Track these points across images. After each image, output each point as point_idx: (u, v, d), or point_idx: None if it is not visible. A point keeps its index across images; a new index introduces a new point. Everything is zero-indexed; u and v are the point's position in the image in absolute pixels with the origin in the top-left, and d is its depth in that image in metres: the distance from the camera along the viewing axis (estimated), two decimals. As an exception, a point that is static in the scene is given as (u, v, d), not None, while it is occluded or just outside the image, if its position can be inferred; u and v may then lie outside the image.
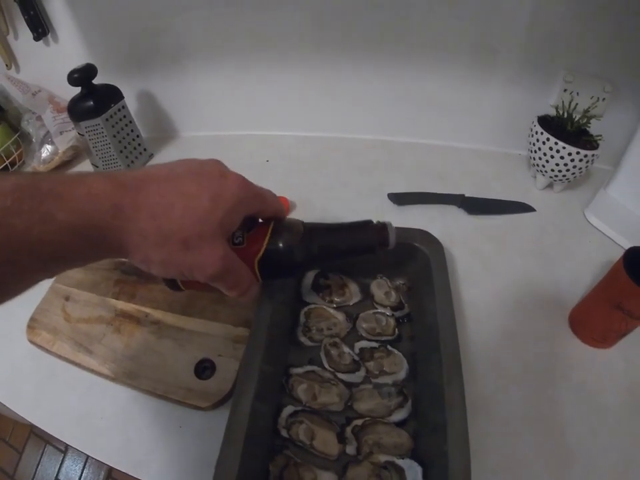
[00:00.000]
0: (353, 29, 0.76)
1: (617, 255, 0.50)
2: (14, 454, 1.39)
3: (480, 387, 0.50)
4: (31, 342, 0.59)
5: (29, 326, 0.60)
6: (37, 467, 1.37)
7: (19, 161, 0.95)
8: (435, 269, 0.54)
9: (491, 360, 0.53)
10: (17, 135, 0.94)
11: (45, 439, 1.41)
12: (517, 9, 0.68)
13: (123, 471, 0.48)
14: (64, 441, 0.51)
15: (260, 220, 0.43)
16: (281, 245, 0.41)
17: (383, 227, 0.44)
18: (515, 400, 0.50)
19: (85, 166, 0.92)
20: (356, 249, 0.46)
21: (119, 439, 0.49)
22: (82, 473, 1.34)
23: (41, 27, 0.85)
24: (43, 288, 0.64)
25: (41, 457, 1.38)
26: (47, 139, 0.91)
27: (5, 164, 0.91)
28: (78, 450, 0.50)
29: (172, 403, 0.51)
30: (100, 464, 1.34)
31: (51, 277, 0.32)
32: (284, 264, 0.43)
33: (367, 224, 0.45)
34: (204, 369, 0.52)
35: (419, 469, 0.43)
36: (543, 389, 0.51)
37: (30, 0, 0.81)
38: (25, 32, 0.86)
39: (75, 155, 0.94)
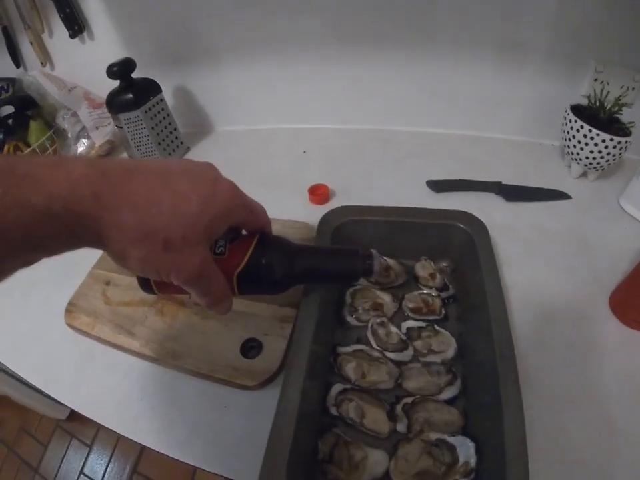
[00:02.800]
0: (382, 24, 0.77)
1: (655, 240, 0.49)
2: (39, 447, 1.40)
3: (525, 365, 0.49)
4: (70, 325, 0.59)
5: (68, 310, 0.60)
6: (62, 460, 1.38)
7: (53, 156, 0.98)
8: (480, 248, 0.55)
9: (535, 340, 0.53)
10: (52, 131, 0.96)
11: (71, 433, 1.43)
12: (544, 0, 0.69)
13: (163, 452, 0.47)
14: (104, 424, 0.51)
15: (244, 232, 0.43)
16: (263, 260, 0.41)
17: (368, 256, 0.43)
18: (559, 378, 0.49)
19: (120, 160, 0.94)
20: (339, 275, 0.46)
21: (160, 421, 0.49)
22: (107, 467, 1.35)
23: (77, 25, 0.87)
24: (80, 274, 0.64)
25: (66, 451, 1.40)
26: (82, 133, 0.94)
27: (39, 159, 0.93)
28: (117, 432, 0.50)
29: (216, 383, 0.51)
30: (126, 458, 1.36)
31: (26, 265, 0.30)
32: (263, 280, 0.42)
33: (353, 251, 0.45)
34: (250, 348, 0.52)
35: (471, 445, 0.43)
36: (587, 369, 0.50)
37: None
38: (60, 30, 0.89)
39: (110, 149, 0.96)
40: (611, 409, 0.47)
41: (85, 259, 0.66)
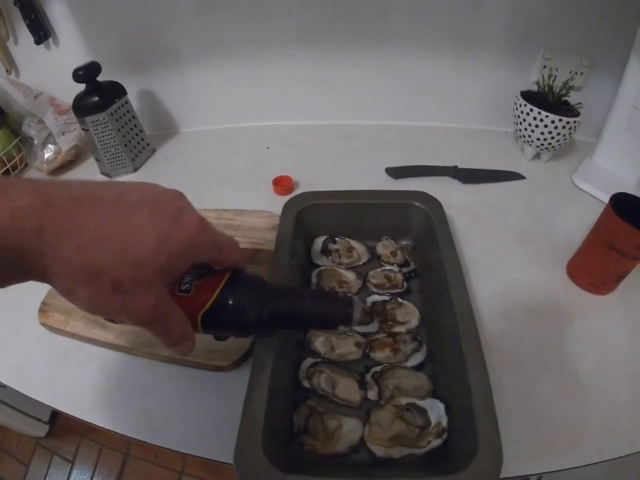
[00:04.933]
0: (340, 21, 0.81)
1: (606, 213, 0.53)
2: (20, 467, 1.37)
3: (489, 331, 0.53)
4: (43, 325, 0.59)
5: (41, 310, 0.60)
6: (45, 479, 1.34)
7: (20, 164, 0.97)
8: (437, 224, 0.58)
9: (497, 308, 0.56)
10: (18, 139, 0.96)
11: (51, 450, 1.39)
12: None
13: (145, 440, 0.48)
14: (85, 420, 0.51)
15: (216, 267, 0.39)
16: (230, 301, 0.37)
17: (348, 302, 0.40)
18: (523, 341, 0.52)
19: (88, 165, 0.94)
20: (314, 323, 0.43)
21: (138, 410, 0.50)
22: (90, 482, 1.32)
23: (42, 31, 0.87)
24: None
25: (48, 469, 1.36)
26: (49, 140, 0.93)
27: (6, 167, 0.92)
28: (100, 427, 0.50)
29: (191, 367, 0.52)
30: (109, 471, 1.33)
31: None
32: (231, 322, 0.39)
33: (331, 296, 0.42)
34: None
35: (441, 406, 0.45)
36: (550, 334, 0.53)
37: (31, 4, 0.83)
38: (25, 36, 0.89)
39: (77, 155, 0.96)
40: (576, 367, 0.50)
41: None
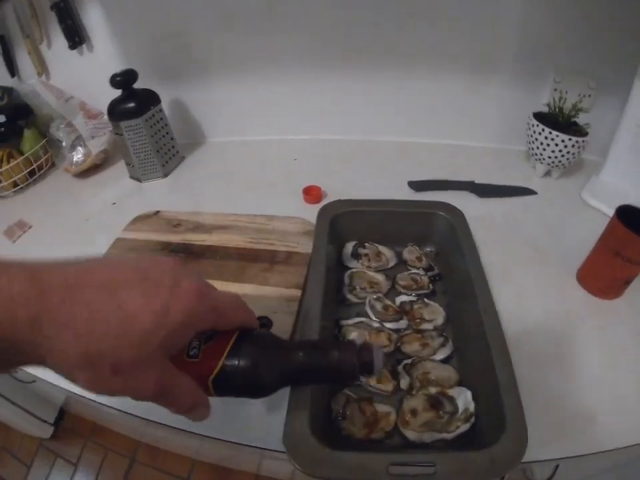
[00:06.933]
0: (365, 44, 0.87)
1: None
2: (21, 467, 1.36)
3: (507, 330, 0.56)
4: None
5: None
6: (46, 481, 1.34)
7: (46, 165, 1.01)
8: (460, 232, 0.63)
9: (514, 309, 0.59)
10: (45, 140, 1.00)
11: (55, 452, 1.39)
12: (508, 20, 0.80)
13: (188, 430, 0.49)
14: (114, 407, 0.52)
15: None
16: (240, 363, 0.35)
17: (367, 350, 0.38)
18: (538, 341, 0.56)
19: (116, 168, 0.98)
20: (332, 378, 0.41)
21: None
22: (94, 486, 1.32)
23: (77, 36, 0.92)
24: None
25: (50, 471, 1.36)
26: (78, 142, 0.97)
27: (32, 167, 0.97)
28: (132, 414, 0.51)
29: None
30: (113, 476, 1.33)
31: None
32: (243, 385, 0.37)
33: (349, 347, 0.39)
34: (262, 325, 0.57)
35: (468, 393, 0.49)
36: (562, 333, 0.57)
37: (67, 9, 0.88)
38: (58, 40, 0.93)
39: (105, 159, 1.00)
40: (586, 363, 0.54)
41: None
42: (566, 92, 0.83)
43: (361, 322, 0.57)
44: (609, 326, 0.58)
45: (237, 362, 0.36)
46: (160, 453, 1.33)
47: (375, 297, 0.60)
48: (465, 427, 0.47)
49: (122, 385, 0.29)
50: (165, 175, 0.93)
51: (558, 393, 0.51)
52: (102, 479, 1.34)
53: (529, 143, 0.84)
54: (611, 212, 0.75)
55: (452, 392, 0.50)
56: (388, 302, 0.60)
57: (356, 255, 0.66)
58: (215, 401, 0.37)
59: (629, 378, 0.52)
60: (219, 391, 0.36)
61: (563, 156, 0.79)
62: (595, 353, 0.55)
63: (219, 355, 0.36)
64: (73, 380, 0.29)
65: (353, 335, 0.55)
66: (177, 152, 0.97)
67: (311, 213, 0.70)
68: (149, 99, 0.88)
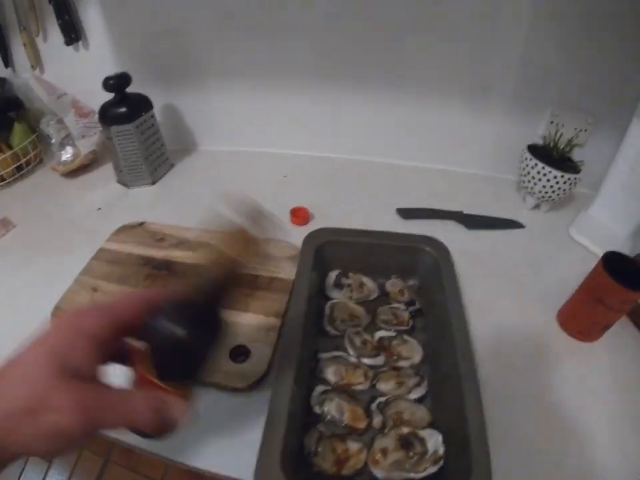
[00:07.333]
0: (360, 64, 0.86)
1: (598, 265, 0.58)
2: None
3: (482, 370, 0.56)
4: None
5: (54, 314, 0.61)
6: (19, 477, 1.32)
7: (34, 160, 1.00)
8: (443, 269, 0.63)
9: (492, 349, 0.60)
10: (35, 135, 0.98)
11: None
12: (508, 48, 0.79)
13: (165, 456, 0.49)
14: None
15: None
16: (163, 338, 0.34)
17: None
18: (514, 382, 0.56)
19: (105, 170, 0.97)
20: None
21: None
22: (67, 483, 1.31)
23: (73, 32, 0.90)
24: (65, 280, 0.66)
25: (23, 469, 1.34)
26: (67, 141, 0.96)
27: (20, 162, 0.95)
28: (114, 439, 0.50)
29: (208, 386, 0.54)
30: (87, 475, 1.32)
31: None
32: (177, 357, 0.35)
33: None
34: (239, 354, 0.56)
35: (439, 436, 0.49)
36: (538, 374, 0.58)
37: (66, 4, 0.86)
38: (55, 35, 0.92)
39: (94, 159, 0.99)
40: (560, 408, 0.54)
41: (70, 266, 0.69)
42: (562, 125, 0.83)
43: (339, 356, 0.57)
44: (586, 369, 0.59)
45: (157, 340, 0.34)
46: (134, 455, 1.32)
47: (354, 331, 0.60)
48: (433, 469, 0.47)
49: (51, 425, 0.27)
50: (153, 182, 0.92)
51: (528, 434, 0.51)
52: (75, 477, 1.33)
53: (521, 175, 0.84)
54: (596, 249, 0.76)
55: (423, 433, 0.50)
56: (367, 337, 0.59)
57: (339, 285, 0.66)
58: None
59: (599, 423, 0.53)
60: (165, 376, 0.34)
61: (554, 192, 0.79)
62: (569, 396, 0.55)
63: (140, 356, 0.35)
64: (28, 451, 0.28)
65: (330, 370, 0.55)
66: (167, 159, 0.96)
67: (297, 234, 0.70)
68: (141, 104, 0.87)
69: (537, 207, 0.86)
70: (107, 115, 0.84)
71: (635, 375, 0.59)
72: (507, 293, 0.69)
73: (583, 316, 0.61)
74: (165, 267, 0.69)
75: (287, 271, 0.66)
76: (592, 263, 0.73)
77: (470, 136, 0.93)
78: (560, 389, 0.56)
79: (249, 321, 0.60)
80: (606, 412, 0.54)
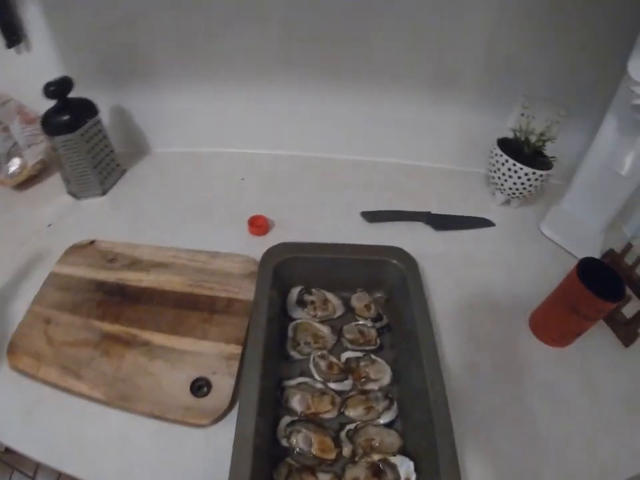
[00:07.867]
0: (322, 54, 0.81)
1: (570, 262, 0.58)
2: (-24, 482, 1.32)
3: (455, 385, 0.56)
4: (14, 368, 0.56)
5: (10, 351, 0.58)
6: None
7: (-20, 174, 0.92)
8: (410, 283, 0.60)
9: (463, 361, 0.59)
10: (-21, 147, 0.90)
11: (11, 465, 1.34)
12: (474, 38, 0.76)
13: None
14: (62, 470, 0.50)
15: None
16: None
17: None
18: (487, 395, 0.56)
19: (55, 179, 0.90)
20: None
21: (118, 464, 0.49)
22: (51, 498, 1.29)
23: (14, 35, 0.83)
24: (18, 311, 0.62)
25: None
26: (14, 151, 0.88)
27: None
28: (74, 477, 0.49)
29: (170, 422, 0.52)
30: None
31: None
32: None
33: None
34: (199, 387, 0.54)
35: (410, 464, 0.48)
36: (512, 386, 0.57)
37: (5, 6, 0.79)
38: (-5, 38, 0.83)
39: (42, 169, 0.92)
40: (535, 420, 0.54)
41: (23, 294, 0.65)
42: (533, 117, 0.80)
43: (305, 382, 0.55)
44: (558, 376, 0.59)
45: None
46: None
47: (319, 354, 0.57)
48: (405, 497, 0.46)
49: None
50: (104, 193, 0.86)
51: (501, 449, 0.51)
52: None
53: (491, 171, 0.81)
54: (568, 245, 0.75)
55: (394, 460, 0.49)
56: (333, 359, 0.57)
57: (302, 302, 0.63)
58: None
59: (572, 432, 0.53)
60: None
61: (525, 188, 0.77)
62: (542, 405, 0.55)
63: None
64: None
65: (296, 399, 0.53)
66: (117, 165, 0.90)
67: (257, 246, 0.66)
68: (85, 110, 0.80)
69: (506, 202, 0.84)
70: (50, 124, 0.77)
71: (608, 378, 0.59)
72: (477, 299, 0.67)
73: (557, 323, 0.60)
74: (118, 292, 0.65)
75: (247, 291, 0.63)
76: (564, 260, 0.73)
77: (437, 128, 0.89)
78: (532, 398, 0.56)
79: (208, 349, 0.57)
80: (576, 419, 0.54)
